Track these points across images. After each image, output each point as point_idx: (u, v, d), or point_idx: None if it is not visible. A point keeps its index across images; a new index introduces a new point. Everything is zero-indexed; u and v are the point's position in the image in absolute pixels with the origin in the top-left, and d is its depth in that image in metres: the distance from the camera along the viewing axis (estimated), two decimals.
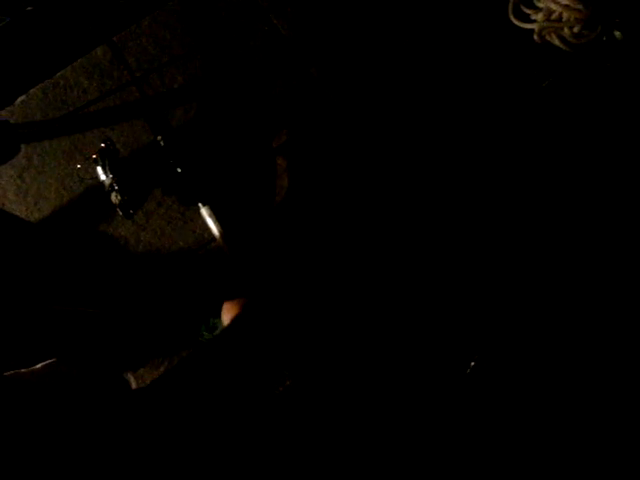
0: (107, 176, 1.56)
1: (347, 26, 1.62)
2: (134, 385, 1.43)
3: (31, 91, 1.72)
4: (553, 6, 1.61)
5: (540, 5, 1.65)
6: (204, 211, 1.51)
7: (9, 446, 0.64)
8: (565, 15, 1.61)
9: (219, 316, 1.09)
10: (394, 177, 1.45)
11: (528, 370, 1.27)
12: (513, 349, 1.29)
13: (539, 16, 1.65)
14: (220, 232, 1.47)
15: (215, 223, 1.48)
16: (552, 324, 1.30)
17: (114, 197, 1.55)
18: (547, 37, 1.64)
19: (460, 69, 1.57)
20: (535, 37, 1.65)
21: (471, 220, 1.38)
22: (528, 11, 1.66)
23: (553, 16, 1.62)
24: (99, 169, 1.57)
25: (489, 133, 1.46)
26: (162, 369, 1.41)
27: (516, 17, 1.66)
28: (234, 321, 0.99)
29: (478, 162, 1.44)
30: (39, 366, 1.08)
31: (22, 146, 1.70)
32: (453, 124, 1.49)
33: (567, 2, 1.59)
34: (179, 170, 1.55)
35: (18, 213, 1.59)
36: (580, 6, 1.56)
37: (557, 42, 1.63)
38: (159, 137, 1.58)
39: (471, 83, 1.55)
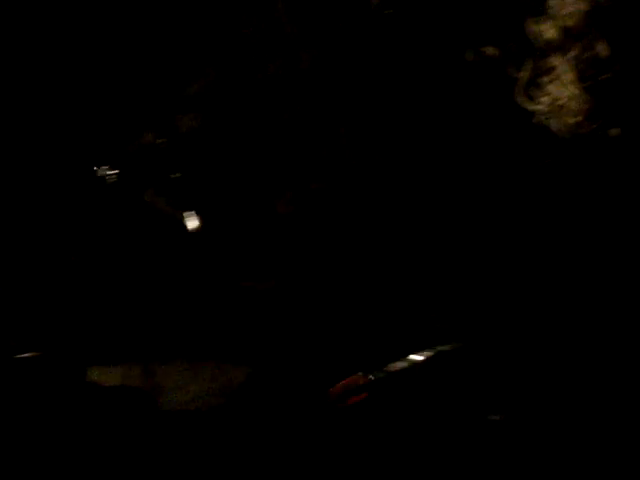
0: None
1: None
2: None
3: None
4: (561, 94, 1.69)
5: (549, 91, 1.72)
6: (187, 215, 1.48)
7: None
8: (571, 105, 1.68)
9: None
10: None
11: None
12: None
13: (545, 99, 1.72)
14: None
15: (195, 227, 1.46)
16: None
17: None
18: (550, 121, 1.71)
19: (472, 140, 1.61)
20: (538, 119, 1.71)
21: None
22: (537, 93, 1.73)
23: (559, 102, 1.70)
24: None
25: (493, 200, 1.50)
26: None
27: (525, 96, 1.73)
28: None
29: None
30: None
31: None
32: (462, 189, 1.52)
33: (575, 93, 1.66)
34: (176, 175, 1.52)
35: None
36: (586, 99, 1.64)
37: (556, 127, 1.70)
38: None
39: (479, 151, 1.59)
